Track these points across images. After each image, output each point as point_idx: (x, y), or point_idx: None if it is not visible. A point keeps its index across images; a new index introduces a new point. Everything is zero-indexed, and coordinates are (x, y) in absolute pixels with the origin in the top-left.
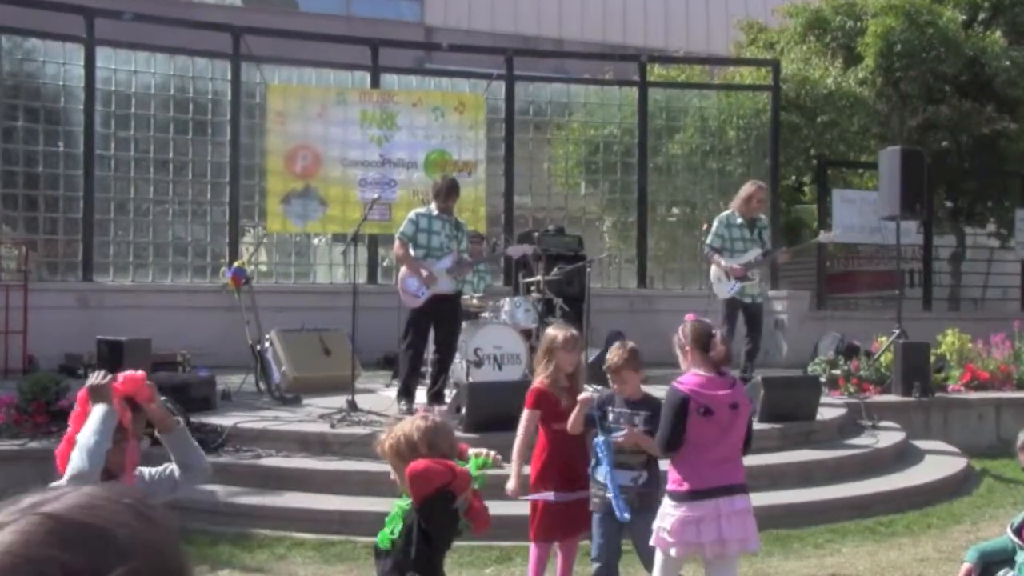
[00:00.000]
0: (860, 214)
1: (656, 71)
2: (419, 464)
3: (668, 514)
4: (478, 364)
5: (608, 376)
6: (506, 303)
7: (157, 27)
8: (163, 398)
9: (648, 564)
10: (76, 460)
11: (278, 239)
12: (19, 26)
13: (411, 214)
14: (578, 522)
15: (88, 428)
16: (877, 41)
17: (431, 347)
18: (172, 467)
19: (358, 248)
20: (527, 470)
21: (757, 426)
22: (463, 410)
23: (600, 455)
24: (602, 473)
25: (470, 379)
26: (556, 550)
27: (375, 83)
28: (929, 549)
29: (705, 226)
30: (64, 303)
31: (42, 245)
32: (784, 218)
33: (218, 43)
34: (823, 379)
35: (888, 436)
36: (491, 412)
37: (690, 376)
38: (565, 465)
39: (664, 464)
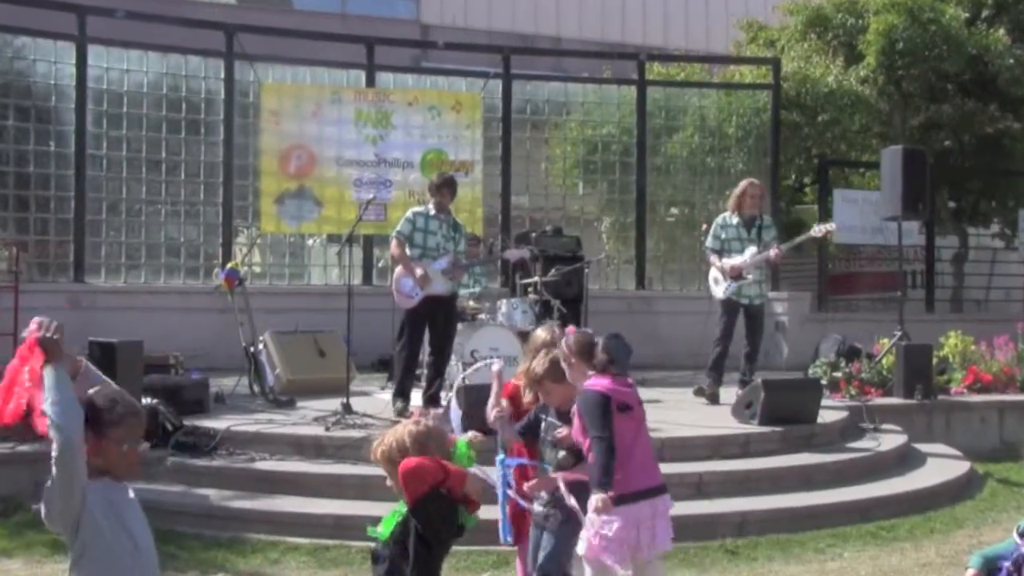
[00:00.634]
0: (861, 214)
1: (655, 70)
2: (410, 462)
3: (611, 521)
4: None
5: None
6: (503, 304)
7: (150, 25)
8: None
9: None
10: (63, 428)
11: (272, 240)
12: (9, 24)
13: (408, 213)
14: None
15: (56, 394)
16: (879, 39)
17: (426, 349)
18: None
19: (353, 249)
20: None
21: (758, 429)
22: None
23: (498, 473)
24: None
25: (466, 382)
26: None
27: (370, 82)
28: (932, 554)
29: (704, 227)
30: (55, 304)
31: (33, 246)
32: (785, 218)
33: (211, 41)
34: (824, 381)
35: (890, 439)
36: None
37: (595, 380)
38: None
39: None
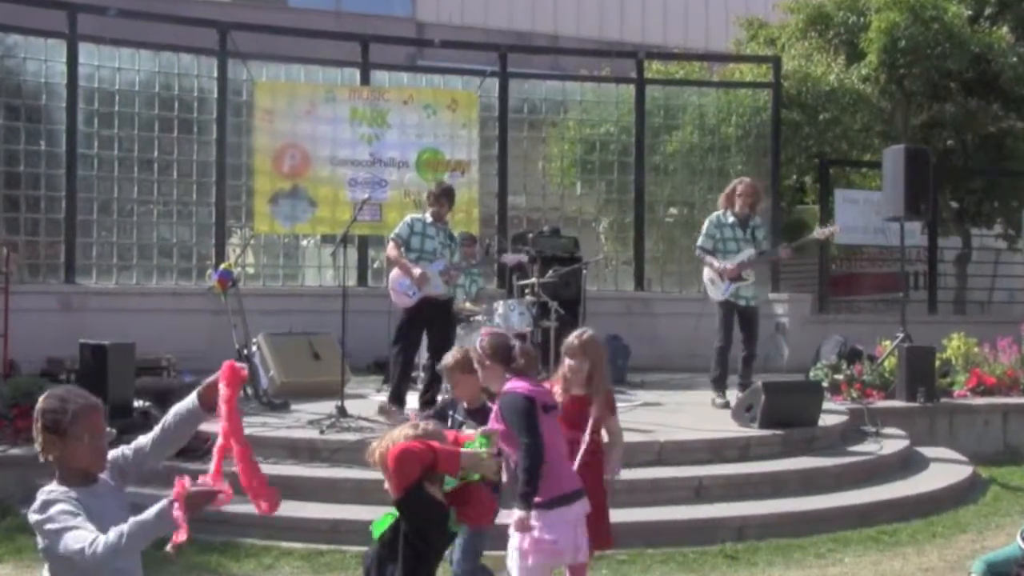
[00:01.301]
0: (863, 215)
1: (654, 68)
2: (398, 446)
3: (536, 526)
4: None
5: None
6: (500, 306)
7: (142, 23)
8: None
9: None
10: (108, 546)
11: (266, 240)
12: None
13: (407, 217)
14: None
15: (143, 526)
16: (880, 37)
17: (423, 352)
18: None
19: (348, 250)
20: None
21: (758, 433)
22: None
23: None
24: None
25: None
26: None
27: (365, 80)
28: (934, 559)
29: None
30: (46, 306)
31: (23, 246)
32: (785, 218)
33: (204, 39)
34: (825, 384)
35: (892, 443)
36: None
37: (515, 382)
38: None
39: None
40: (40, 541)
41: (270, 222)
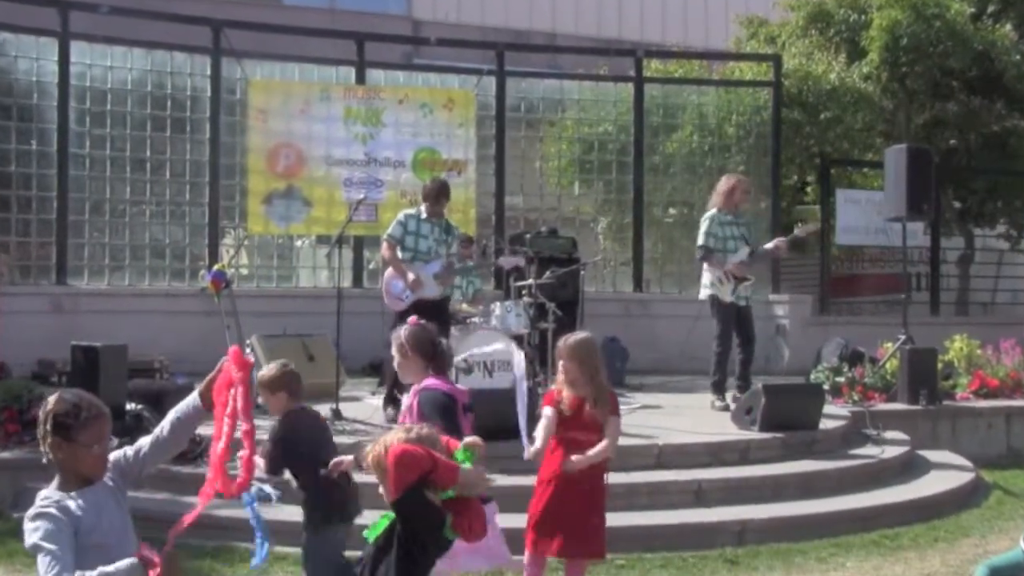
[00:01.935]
0: (865, 215)
1: (653, 66)
2: (399, 447)
3: None
4: (468, 371)
5: None
6: (497, 308)
7: (134, 20)
8: None
9: None
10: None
11: (259, 241)
12: None
13: (399, 215)
14: (586, 540)
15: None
16: (882, 35)
17: None
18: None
19: (343, 250)
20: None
21: (758, 436)
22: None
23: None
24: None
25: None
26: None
27: (360, 79)
28: (936, 564)
29: None
30: (37, 307)
31: (14, 247)
32: (786, 219)
33: (198, 37)
34: (826, 387)
35: (894, 446)
36: (481, 421)
37: (432, 380)
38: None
39: None
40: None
41: (264, 222)
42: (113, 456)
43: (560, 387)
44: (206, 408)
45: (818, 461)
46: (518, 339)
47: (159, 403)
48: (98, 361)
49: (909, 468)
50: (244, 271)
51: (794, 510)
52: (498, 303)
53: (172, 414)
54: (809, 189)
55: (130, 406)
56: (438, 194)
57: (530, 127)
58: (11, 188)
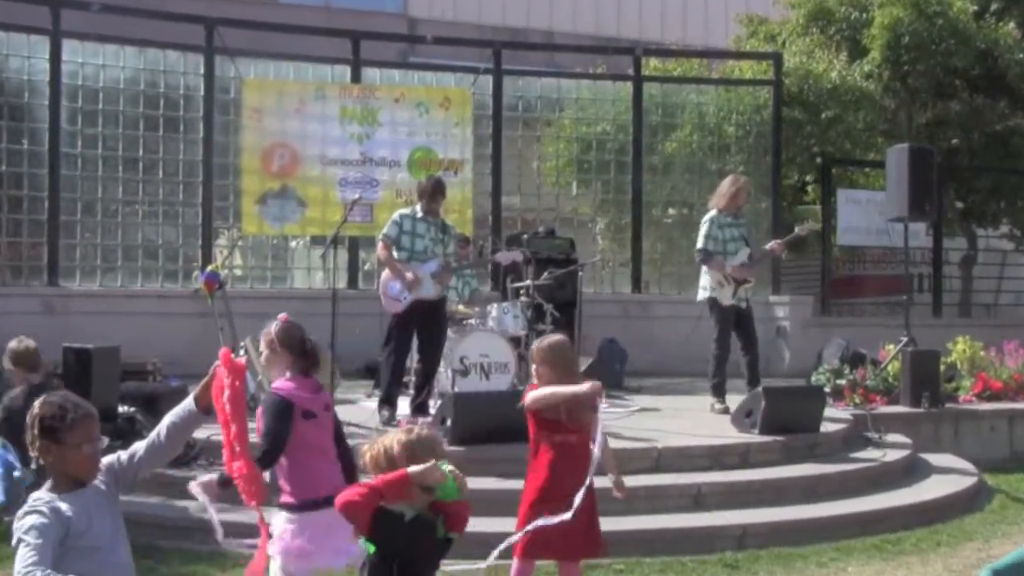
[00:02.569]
0: (866, 215)
1: (652, 65)
2: (340, 500)
3: (288, 529)
4: (464, 373)
5: None
6: (494, 309)
7: (126, 18)
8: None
9: None
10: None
11: (254, 242)
12: None
13: (395, 215)
14: (575, 542)
15: None
16: (884, 33)
17: (414, 356)
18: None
19: (338, 251)
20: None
21: (758, 439)
22: (448, 422)
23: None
24: None
25: (456, 389)
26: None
27: (356, 77)
28: (939, 568)
29: None
30: (28, 309)
31: (5, 248)
32: (786, 219)
33: (191, 35)
34: (827, 389)
35: (895, 449)
36: (478, 424)
37: (284, 382)
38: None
39: None
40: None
41: (258, 223)
42: (107, 460)
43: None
44: (202, 412)
45: (819, 464)
46: (515, 341)
47: (152, 406)
48: (90, 363)
49: (911, 472)
50: (238, 272)
51: (795, 514)
52: (495, 304)
53: (168, 419)
54: (810, 189)
55: (122, 409)
56: (433, 192)
57: (527, 126)
58: (2, 188)
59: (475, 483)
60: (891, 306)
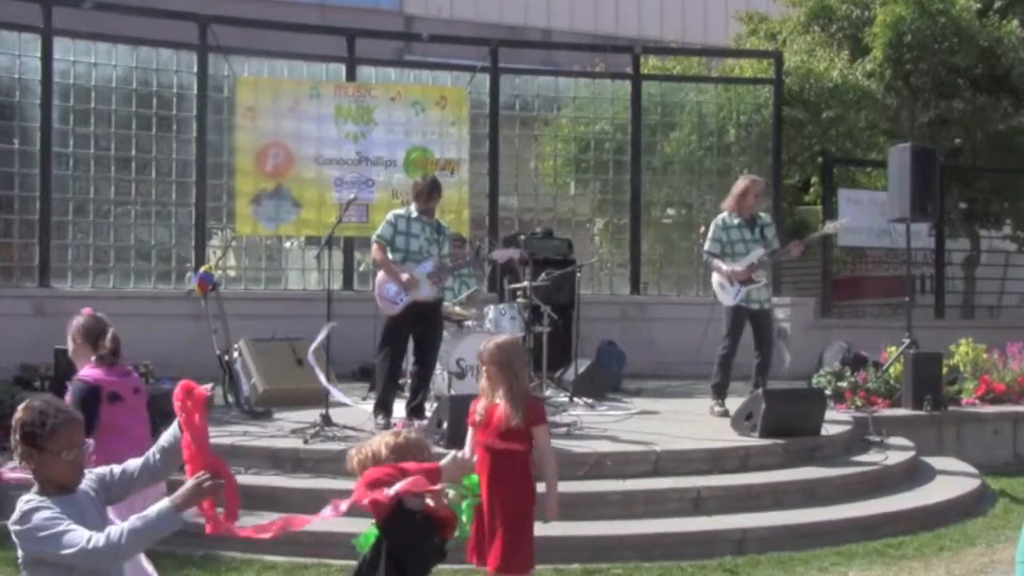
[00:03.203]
0: (868, 215)
1: (651, 63)
2: (369, 474)
3: None
4: (461, 375)
5: None
6: (491, 310)
7: (119, 16)
8: None
9: None
10: (109, 543)
11: (248, 242)
12: None
13: (389, 215)
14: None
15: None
16: (886, 31)
17: (410, 358)
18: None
19: (333, 252)
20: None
21: (758, 442)
22: (444, 425)
23: None
24: None
25: (452, 392)
26: None
27: (351, 76)
28: (942, 573)
29: (702, 229)
30: (19, 310)
31: None
32: (787, 219)
33: (184, 33)
34: (828, 392)
35: (897, 453)
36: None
37: (89, 369)
38: None
39: None
40: (20, 552)
41: (252, 223)
42: (100, 470)
43: (483, 392)
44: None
45: (820, 468)
46: None
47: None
48: None
49: (913, 475)
50: (232, 273)
51: (795, 518)
52: (492, 306)
53: (160, 441)
54: (811, 189)
55: None
56: (429, 191)
57: (525, 125)
58: None
59: None
60: (893, 308)
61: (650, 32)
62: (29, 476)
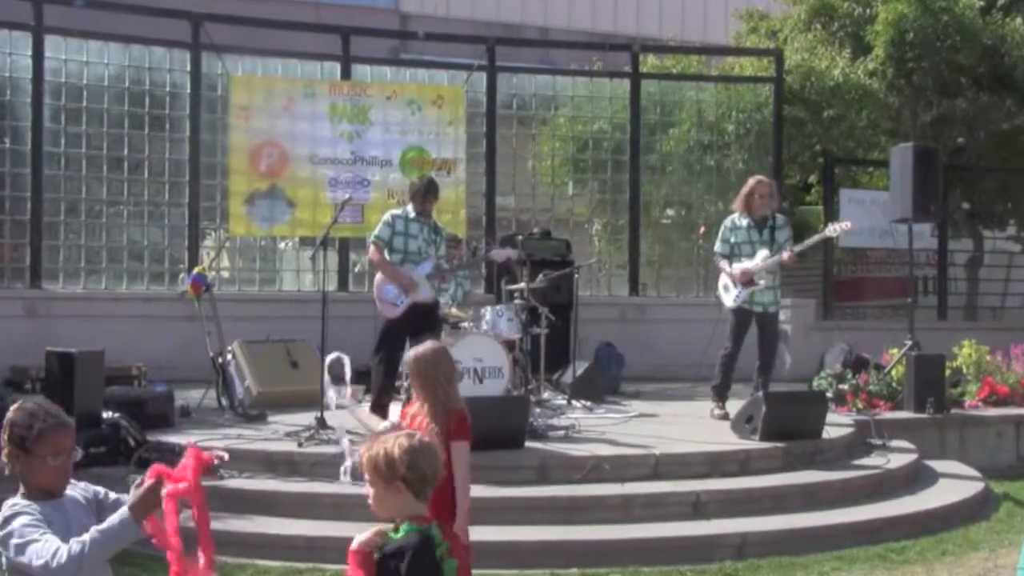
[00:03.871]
0: (869, 216)
1: (649, 61)
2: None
3: None
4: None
5: None
6: (488, 312)
7: (111, 14)
8: None
9: None
10: (71, 557)
11: (241, 243)
12: None
13: (386, 216)
14: None
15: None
16: (888, 29)
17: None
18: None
19: (328, 253)
20: None
21: (759, 445)
22: None
23: None
24: None
25: None
26: None
27: (346, 74)
28: None
29: (702, 229)
30: (10, 312)
31: None
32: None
33: (177, 31)
34: (829, 394)
35: (899, 456)
36: (471, 430)
37: None
38: None
39: None
40: (3, 556)
41: (246, 224)
42: (95, 488)
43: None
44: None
45: (821, 472)
46: (509, 345)
47: (137, 411)
48: (73, 368)
49: (915, 479)
50: (225, 274)
51: (796, 522)
52: (489, 307)
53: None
54: (812, 189)
55: (107, 415)
56: (426, 192)
57: (522, 125)
58: None
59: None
60: (895, 309)
61: (649, 30)
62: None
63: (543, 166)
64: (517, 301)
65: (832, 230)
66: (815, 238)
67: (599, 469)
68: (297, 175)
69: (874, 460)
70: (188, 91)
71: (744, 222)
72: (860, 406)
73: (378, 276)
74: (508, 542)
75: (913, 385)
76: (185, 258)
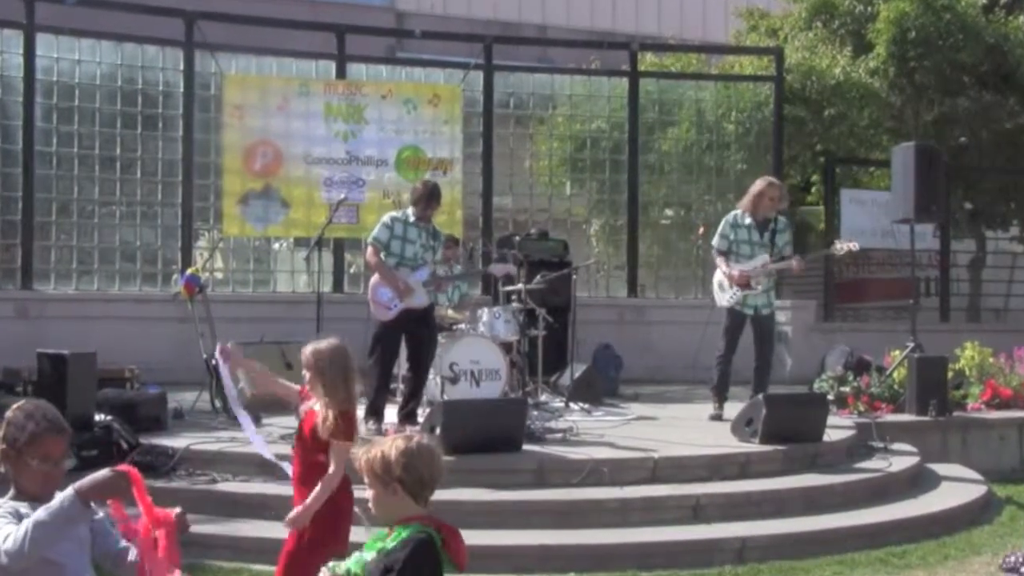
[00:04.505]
0: (871, 216)
1: (648, 60)
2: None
3: None
4: (454, 380)
5: None
6: (484, 314)
7: (103, 12)
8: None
9: None
10: (15, 541)
11: (235, 243)
12: None
13: (385, 218)
14: None
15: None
16: (889, 27)
17: (403, 362)
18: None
19: (323, 254)
20: None
21: (759, 448)
22: (437, 430)
23: None
24: None
25: (445, 397)
26: None
27: (341, 73)
28: None
29: (701, 230)
30: (1, 313)
31: None
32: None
33: (170, 29)
34: (830, 397)
35: (901, 459)
36: (468, 433)
37: None
38: None
39: None
40: None
41: (240, 224)
42: (97, 516)
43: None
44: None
45: (822, 475)
46: (506, 347)
47: (130, 414)
48: (66, 370)
49: (917, 482)
50: (219, 275)
51: (797, 526)
52: (486, 309)
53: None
54: (813, 189)
55: (99, 417)
56: (429, 198)
57: (519, 124)
58: None
59: (465, 494)
60: (897, 311)
61: (648, 28)
62: None
63: (540, 166)
64: (514, 303)
65: (839, 248)
66: (821, 253)
67: (597, 472)
68: (292, 175)
69: (876, 463)
70: (181, 90)
71: (747, 221)
72: (861, 409)
73: (373, 278)
74: (505, 546)
75: (915, 387)
76: (178, 259)
